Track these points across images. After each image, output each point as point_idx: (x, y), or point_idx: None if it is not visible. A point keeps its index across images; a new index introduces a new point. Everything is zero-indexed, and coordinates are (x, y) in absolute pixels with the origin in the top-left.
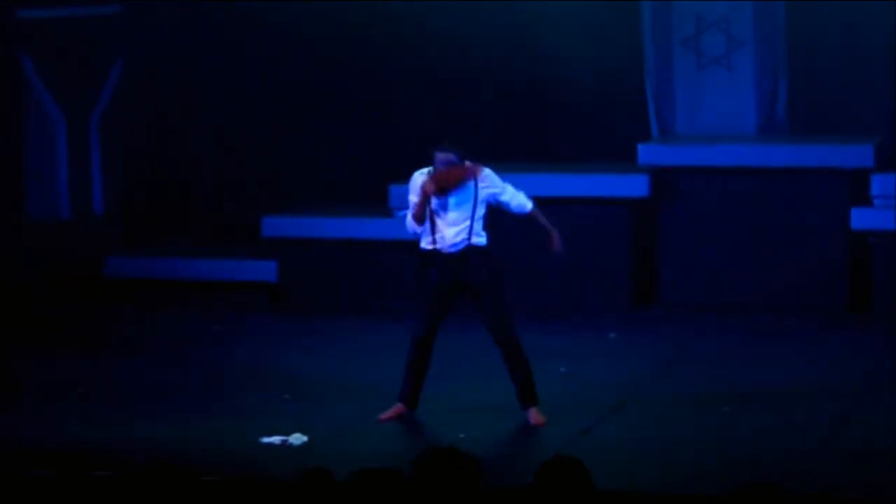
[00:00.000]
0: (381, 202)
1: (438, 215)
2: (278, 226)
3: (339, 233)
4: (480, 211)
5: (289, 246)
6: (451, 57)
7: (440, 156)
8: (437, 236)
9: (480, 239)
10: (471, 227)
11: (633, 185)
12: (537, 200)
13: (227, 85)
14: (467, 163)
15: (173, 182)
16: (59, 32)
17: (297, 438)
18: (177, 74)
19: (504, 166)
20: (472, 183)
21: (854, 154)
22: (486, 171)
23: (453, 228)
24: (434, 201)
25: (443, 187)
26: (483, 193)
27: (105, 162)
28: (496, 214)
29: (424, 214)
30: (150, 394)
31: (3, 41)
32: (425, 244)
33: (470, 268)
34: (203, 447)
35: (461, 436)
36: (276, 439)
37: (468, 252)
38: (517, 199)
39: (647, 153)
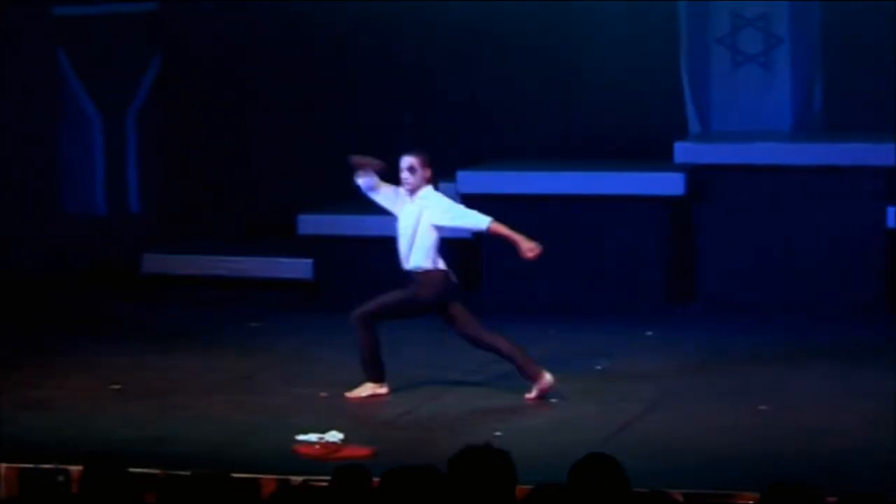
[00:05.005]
0: None
1: (397, 232)
2: (314, 223)
3: (375, 230)
4: (423, 236)
5: (325, 244)
6: (487, 53)
7: (404, 158)
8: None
9: (426, 263)
10: (411, 250)
11: (669, 184)
12: (573, 198)
13: (263, 82)
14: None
15: (209, 179)
16: (96, 29)
17: (334, 436)
18: (213, 72)
19: (540, 164)
20: (416, 207)
21: (891, 152)
22: (428, 192)
23: (404, 248)
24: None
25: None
26: (424, 217)
27: (141, 159)
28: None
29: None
30: (185, 391)
31: (39, 38)
32: None
33: (419, 289)
34: (239, 444)
35: (497, 434)
36: (312, 437)
37: (416, 274)
38: (466, 221)
39: (684, 151)
